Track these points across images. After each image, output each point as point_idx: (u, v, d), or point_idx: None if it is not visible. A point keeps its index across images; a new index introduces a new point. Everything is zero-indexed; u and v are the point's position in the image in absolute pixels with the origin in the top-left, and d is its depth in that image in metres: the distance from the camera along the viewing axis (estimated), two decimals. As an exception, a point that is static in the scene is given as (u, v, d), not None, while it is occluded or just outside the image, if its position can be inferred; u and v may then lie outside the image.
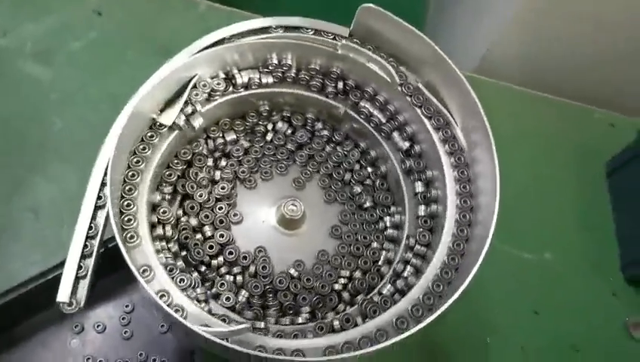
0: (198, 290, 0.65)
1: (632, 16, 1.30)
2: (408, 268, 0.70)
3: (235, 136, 0.78)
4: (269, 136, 0.81)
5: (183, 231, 0.71)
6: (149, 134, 0.68)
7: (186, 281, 0.63)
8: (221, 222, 0.73)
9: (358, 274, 0.74)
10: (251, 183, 0.77)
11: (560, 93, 1.36)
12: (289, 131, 0.82)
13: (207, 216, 0.72)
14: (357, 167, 0.82)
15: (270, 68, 0.75)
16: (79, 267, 0.59)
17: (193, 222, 0.72)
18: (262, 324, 0.65)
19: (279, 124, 0.81)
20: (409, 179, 0.77)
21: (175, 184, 0.72)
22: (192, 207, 0.73)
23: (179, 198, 0.74)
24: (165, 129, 0.68)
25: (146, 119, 0.67)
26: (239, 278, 0.71)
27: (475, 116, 0.67)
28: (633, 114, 1.36)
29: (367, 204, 0.80)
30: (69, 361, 0.87)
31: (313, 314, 0.71)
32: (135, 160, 0.67)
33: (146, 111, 0.66)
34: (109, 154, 0.60)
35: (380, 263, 0.76)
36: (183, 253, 0.71)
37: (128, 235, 0.62)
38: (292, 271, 0.72)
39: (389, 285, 0.70)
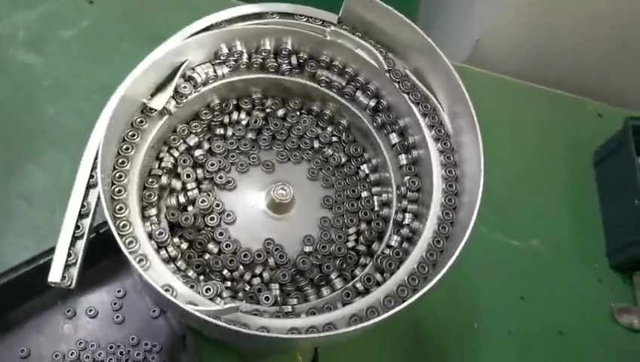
0: (224, 294, 0.67)
1: (625, 9, 1.32)
2: (407, 215, 0.74)
3: (197, 139, 0.77)
4: (229, 131, 0.80)
5: (195, 260, 0.72)
6: (138, 119, 0.69)
7: (212, 290, 0.65)
8: (221, 234, 0.73)
9: (363, 225, 0.78)
10: (231, 184, 0.77)
11: (550, 83, 1.38)
12: (244, 122, 0.81)
13: (205, 236, 0.73)
14: (319, 130, 0.83)
15: (222, 58, 0.74)
16: (70, 248, 0.60)
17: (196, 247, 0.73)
18: (289, 308, 0.67)
19: (234, 115, 0.81)
20: (382, 133, 0.79)
21: (158, 204, 0.71)
22: (189, 233, 0.73)
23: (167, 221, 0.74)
24: (156, 113, 0.69)
25: (136, 103, 0.68)
26: (265, 274, 0.73)
27: (461, 102, 0.68)
28: (621, 104, 1.37)
29: (343, 160, 0.82)
30: (61, 346, 0.88)
31: (344, 277, 0.73)
32: (124, 147, 0.68)
33: (136, 95, 0.67)
34: (100, 138, 0.61)
35: (377, 208, 0.79)
36: (202, 278, 0.71)
37: (138, 259, 0.62)
38: (306, 248, 0.75)
39: (395, 236, 0.73)
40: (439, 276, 0.58)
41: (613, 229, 1.17)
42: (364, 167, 0.82)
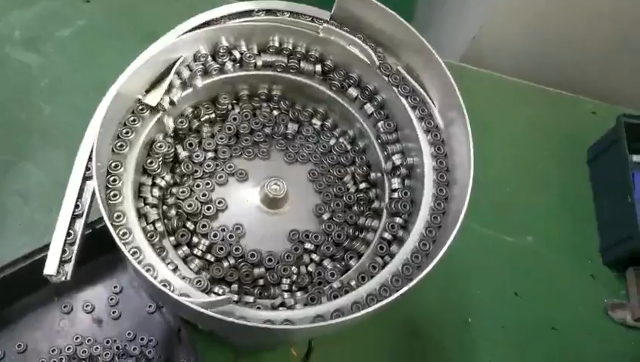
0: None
1: (620, 7, 1.33)
2: (395, 156, 0.76)
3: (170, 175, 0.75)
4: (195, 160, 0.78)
5: (257, 290, 0.72)
6: (131, 118, 0.69)
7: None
8: (253, 255, 0.73)
9: (351, 168, 0.82)
10: (222, 205, 0.76)
11: (544, 81, 1.39)
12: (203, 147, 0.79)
13: (248, 268, 0.73)
14: (259, 115, 0.82)
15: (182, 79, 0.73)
16: (66, 241, 0.60)
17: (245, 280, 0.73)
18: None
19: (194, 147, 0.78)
20: (341, 94, 0.80)
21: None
22: (230, 275, 0.72)
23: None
24: (147, 112, 0.70)
25: (131, 99, 0.69)
26: (315, 257, 0.75)
27: (451, 97, 0.69)
28: (614, 101, 1.38)
29: (296, 127, 0.83)
30: (58, 341, 0.88)
31: (370, 216, 0.77)
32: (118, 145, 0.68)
33: (131, 91, 0.68)
34: (96, 131, 0.62)
35: (350, 147, 0.83)
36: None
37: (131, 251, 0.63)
38: (324, 216, 0.77)
39: (395, 178, 0.76)
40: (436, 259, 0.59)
41: (606, 226, 1.18)
42: (315, 120, 0.83)
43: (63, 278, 0.59)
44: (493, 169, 1.21)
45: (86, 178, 0.64)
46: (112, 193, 0.64)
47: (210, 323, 0.57)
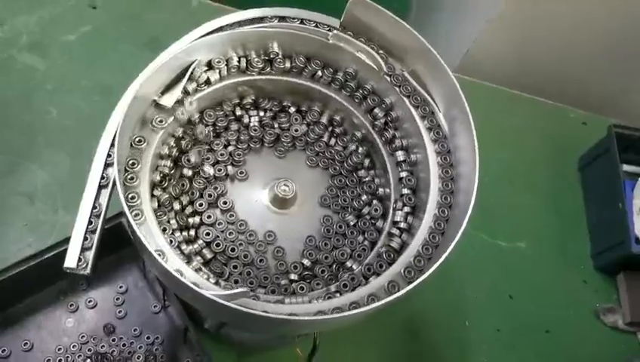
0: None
1: (608, 18, 1.37)
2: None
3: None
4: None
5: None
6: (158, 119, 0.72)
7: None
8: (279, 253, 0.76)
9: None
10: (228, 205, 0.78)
11: (537, 92, 1.43)
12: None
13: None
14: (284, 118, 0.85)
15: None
16: (86, 231, 0.62)
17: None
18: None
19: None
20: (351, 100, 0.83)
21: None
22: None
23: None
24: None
25: (147, 101, 0.71)
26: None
27: (456, 103, 0.72)
28: (604, 112, 1.43)
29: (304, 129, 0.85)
30: (64, 340, 0.89)
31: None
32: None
33: (148, 93, 0.70)
34: (117, 125, 0.64)
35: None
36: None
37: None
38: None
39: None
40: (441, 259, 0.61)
41: (597, 232, 1.22)
42: (322, 119, 0.85)
43: (83, 267, 0.60)
44: (487, 176, 1.24)
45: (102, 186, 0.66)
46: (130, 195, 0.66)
47: (228, 315, 0.59)
